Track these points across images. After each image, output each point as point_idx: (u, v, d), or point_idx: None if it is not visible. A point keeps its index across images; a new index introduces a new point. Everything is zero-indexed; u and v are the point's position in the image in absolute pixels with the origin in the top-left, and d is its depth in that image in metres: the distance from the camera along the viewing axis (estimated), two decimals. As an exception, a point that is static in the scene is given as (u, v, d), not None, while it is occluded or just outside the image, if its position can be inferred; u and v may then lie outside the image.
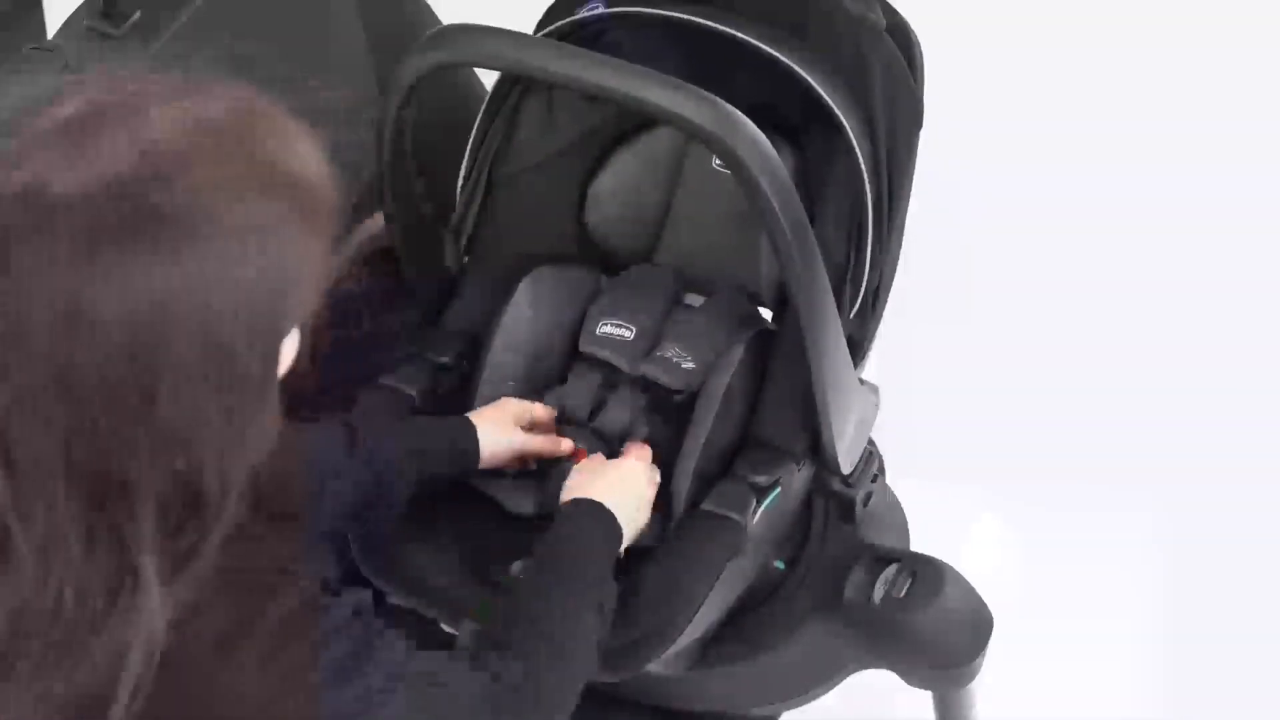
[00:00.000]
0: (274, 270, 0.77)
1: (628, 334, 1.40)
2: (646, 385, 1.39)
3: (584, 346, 1.42)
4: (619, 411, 1.37)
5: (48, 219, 0.71)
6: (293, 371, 0.85)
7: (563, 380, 1.43)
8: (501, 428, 1.31)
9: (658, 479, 1.29)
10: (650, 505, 1.26)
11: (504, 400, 1.34)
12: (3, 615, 0.76)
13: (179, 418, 0.75)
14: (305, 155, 0.80)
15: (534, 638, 1.04)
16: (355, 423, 1.24)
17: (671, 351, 1.39)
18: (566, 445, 1.34)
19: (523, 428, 1.33)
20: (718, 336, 1.39)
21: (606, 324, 1.41)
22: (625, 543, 1.20)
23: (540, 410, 1.36)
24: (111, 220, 0.71)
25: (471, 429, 1.29)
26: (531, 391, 1.41)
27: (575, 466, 1.29)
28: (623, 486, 1.23)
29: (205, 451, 0.77)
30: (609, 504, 1.19)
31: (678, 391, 1.38)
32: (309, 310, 0.83)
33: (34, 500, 0.74)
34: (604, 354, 1.40)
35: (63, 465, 0.74)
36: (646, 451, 1.31)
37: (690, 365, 1.38)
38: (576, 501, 1.19)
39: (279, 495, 0.87)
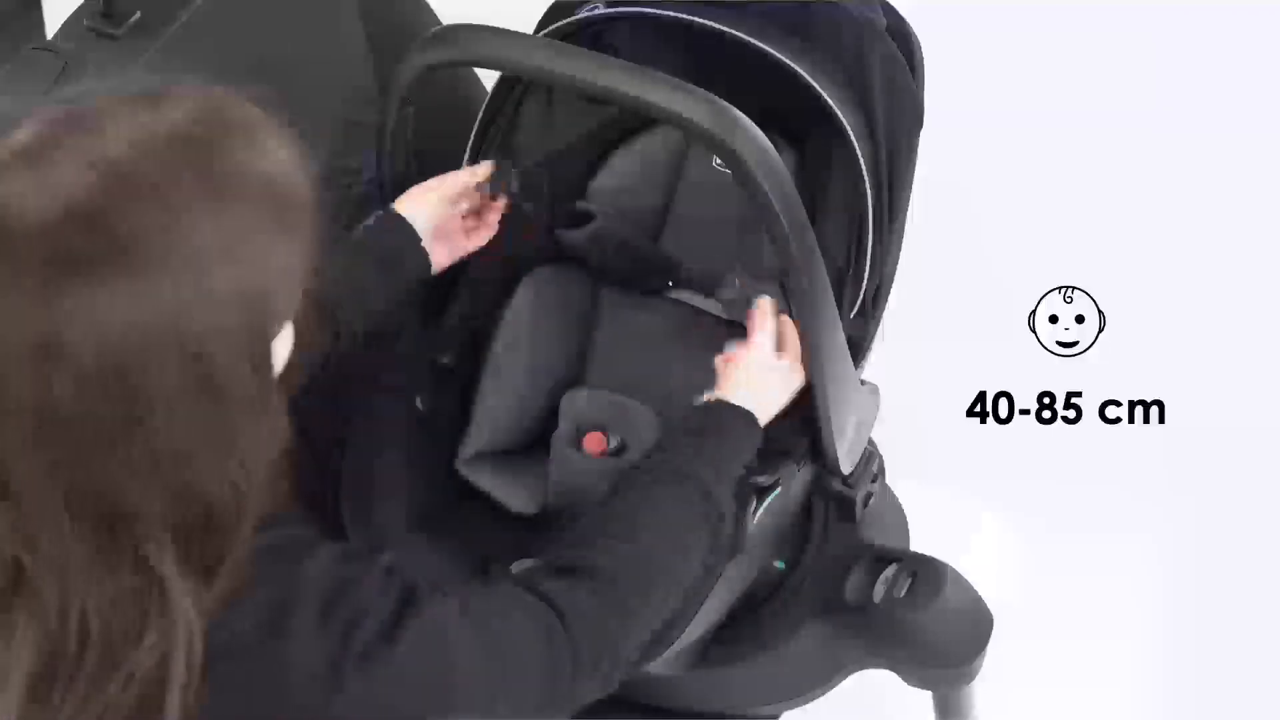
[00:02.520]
0: (250, 278, 0.75)
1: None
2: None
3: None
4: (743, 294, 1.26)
5: (11, 251, 0.70)
6: (294, 364, 0.84)
7: (567, 379, 1.43)
8: (426, 207, 1.25)
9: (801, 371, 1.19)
10: (784, 382, 1.18)
11: (415, 189, 1.27)
12: (31, 646, 0.75)
13: (172, 438, 0.74)
14: (275, 153, 0.79)
15: (615, 541, 0.99)
16: None
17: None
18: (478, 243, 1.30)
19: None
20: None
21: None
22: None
23: (461, 176, 1.29)
24: (75, 248, 0.70)
25: (400, 219, 1.23)
26: (533, 391, 1.41)
27: (743, 347, 1.18)
28: (782, 396, 1.17)
29: (207, 466, 0.76)
30: (758, 410, 1.13)
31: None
32: (295, 307, 0.81)
33: (39, 530, 0.73)
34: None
35: (61, 495, 0.73)
36: (796, 339, 1.19)
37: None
38: (732, 405, 1.13)
39: (288, 476, 0.85)
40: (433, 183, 1.28)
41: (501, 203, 1.32)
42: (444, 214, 1.27)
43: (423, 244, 1.25)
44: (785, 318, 1.21)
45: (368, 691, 0.81)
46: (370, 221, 1.24)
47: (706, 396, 1.17)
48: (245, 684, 0.79)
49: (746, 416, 1.14)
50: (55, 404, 0.71)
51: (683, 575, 1.04)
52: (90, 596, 0.74)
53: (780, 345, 1.21)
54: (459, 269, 1.45)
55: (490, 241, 1.33)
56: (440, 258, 1.28)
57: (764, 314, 1.21)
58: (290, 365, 0.85)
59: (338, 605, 0.82)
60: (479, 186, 1.30)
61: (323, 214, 0.81)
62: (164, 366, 0.72)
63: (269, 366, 0.80)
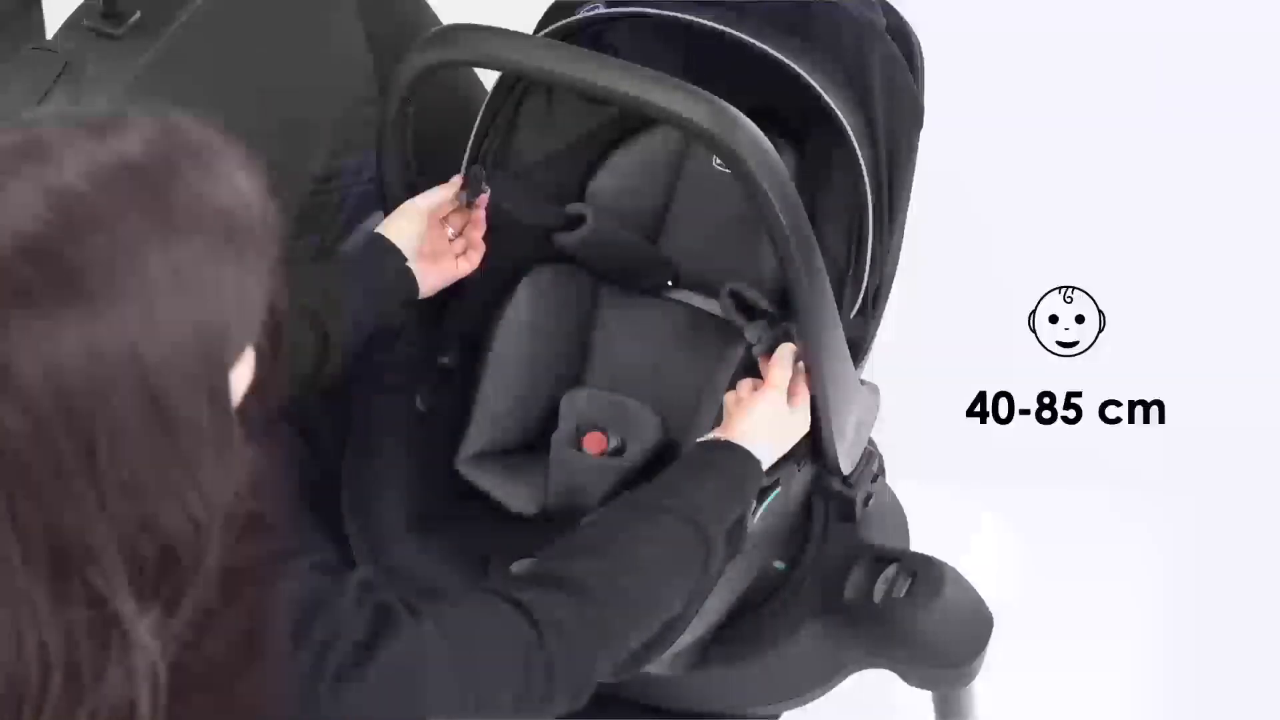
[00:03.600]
0: (203, 309, 0.74)
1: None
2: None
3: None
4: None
5: None
6: (257, 390, 0.82)
7: (567, 379, 1.43)
8: (408, 222, 1.26)
9: (796, 405, 1.20)
10: (790, 431, 1.20)
11: (403, 207, 1.29)
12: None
13: (124, 472, 0.72)
14: (231, 181, 0.76)
15: (599, 563, 0.99)
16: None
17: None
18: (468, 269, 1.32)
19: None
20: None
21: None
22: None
23: (439, 193, 1.30)
24: (25, 280, 0.68)
25: (386, 243, 1.25)
26: (533, 391, 1.41)
27: (758, 390, 1.20)
28: (788, 439, 1.19)
29: (163, 500, 0.74)
30: (763, 455, 1.15)
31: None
32: (254, 335, 0.80)
33: None
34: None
35: (11, 528, 0.71)
36: (805, 389, 1.21)
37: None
38: (730, 442, 1.15)
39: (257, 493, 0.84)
40: (418, 200, 1.29)
41: (483, 220, 1.33)
42: (431, 235, 1.29)
43: (410, 267, 1.27)
44: (800, 366, 1.22)
45: (339, 713, 0.81)
46: (359, 241, 1.24)
47: (713, 434, 1.19)
48: (217, 706, 0.78)
49: (750, 460, 1.16)
50: (7, 438, 0.69)
51: (664, 604, 1.06)
52: (46, 629, 0.72)
53: (792, 391, 1.22)
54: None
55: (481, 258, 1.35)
56: (431, 280, 1.29)
57: (784, 363, 1.21)
58: (264, 385, 0.83)
59: (311, 626, 0.81)
60: (457, 197, 1.31)
61: (307, 223, 0.80)
62: (116, 399, 0.70)
63: (227, 398, 0.78)
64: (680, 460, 1.17)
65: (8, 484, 0.70)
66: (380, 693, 0.83)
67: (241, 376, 0.80)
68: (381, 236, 1.27)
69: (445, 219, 1.32)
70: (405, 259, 1.27)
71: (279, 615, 0.80)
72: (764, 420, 1.19)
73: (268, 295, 0.79)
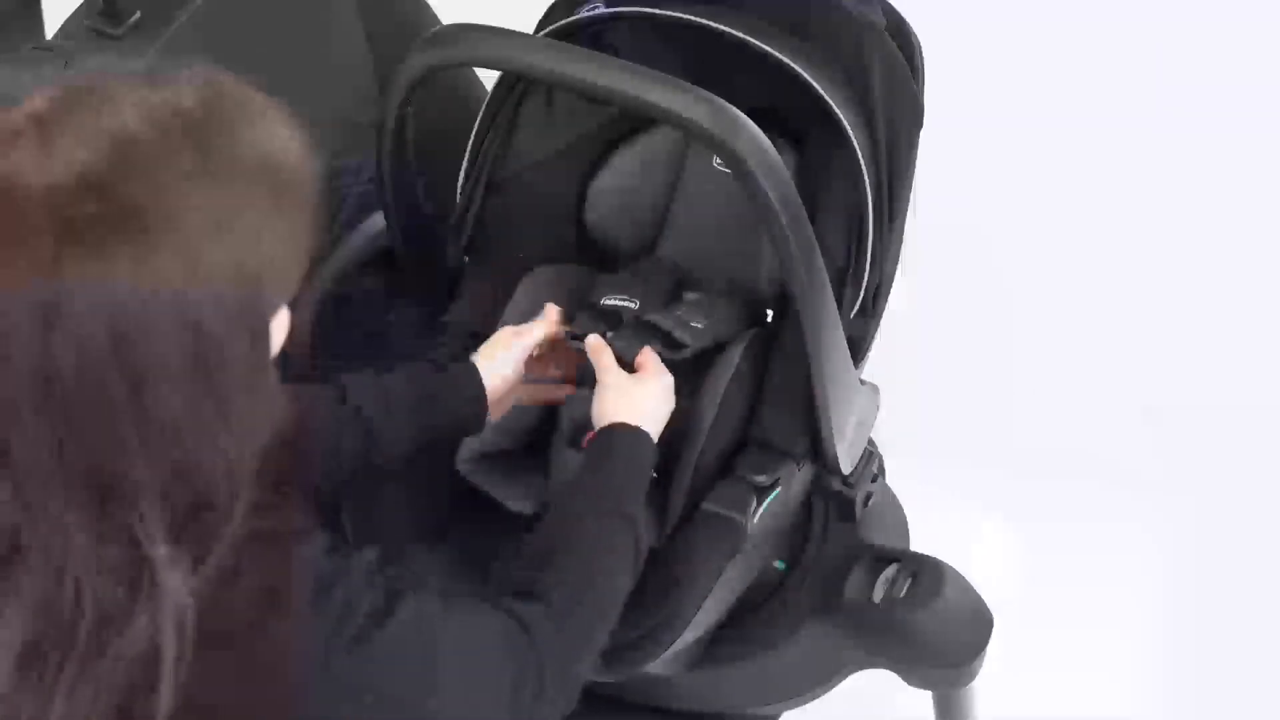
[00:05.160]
0: (249, 254, 0.77)
1: (632, 305, 1.38)
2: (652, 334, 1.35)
3: (587, 312, 1.39)
4: (626, 343, 1.31)
5: (19, 215, 0.71)
6: (290, 348, 0.85)
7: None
8: (499, 367, 1.27)
9: (672, 389, 1.26)
10: (666, 419, 1.24)
11: (500, 332, 1.30)
12: (30, 617, 0.75)
13: (169, 411, 0.74)
14: (277, 135, 0.80)
15: (561, 573, 1.02)
16: (346, 379, 1.21)
17: (680, 311, 1.37)
18: (562, 395, 1.32)
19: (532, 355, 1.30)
20: (724, 307, 1.38)
21: (610, 298, 1.39)
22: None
23: (539, 330, 1.31)
24: (83, 214, 0.71)
25: (472, 367, 1.25)
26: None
27: (599, 385, 1.24)
28: (651, 401, 1.22)
29: (202, 441, 0.77)
30: (643, 423, 1.18)
31: (683, 345, 1.33)
32: (294, 287, 0.82)
33: (35, 501, 0.74)
34: (611, 303, 1.37)
35: (58, 466, 0.73)
36: (655, 358, 1.28)
37: (699, 325, 1.35)
38: (612, 427, 1.18)
39: (281, 464, 0.86)
40: (519, 339, 1.29)
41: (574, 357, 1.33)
42: (515, 377, 1.28)
43: (487, 407, 1.25)
44: (646, 350, 1.28)
45: (353, 675, 0.82)
46: (446, 367, 1.26)
47: (591, 434, 1.20)
48: (237, 665, 0.80)
49: (633, 431, 1.18)
50: (54, 370, 0.71)
51: (619, 590, 1.09)
52: (83, 569, 0.75)
53: (636, 369, 1.26)
54: (459, 270, 1.46)
55: None
56: (495, 411, 1.28)
57: (594, 350, 1.26)
58: (286, 349, 0.85)
59: (329, 594, 0.83)
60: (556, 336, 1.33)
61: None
62: (162, 337, 0.73)
63: (266, 344, 0.81)
64: (585, 460, 1.18)
65: (54, 418, 0.72)
66: (394, 659, 0.85)
67: (277, 331, 0.83)
68: (473, 370, 1.25)
69: (537, 355, 1.32)
70: (485, 397, 1.25)
71: (299, 580, 0.82)
72: (622, 396, 1.22)
73: (305, 251, 0.81)
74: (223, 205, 0.75)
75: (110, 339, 0.72)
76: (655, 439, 1.21)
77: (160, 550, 0.76)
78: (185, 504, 0.77)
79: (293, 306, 0.84)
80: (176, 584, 0.76)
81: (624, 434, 1.18)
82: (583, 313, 1.36)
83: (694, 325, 1.35)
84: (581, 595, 1.03)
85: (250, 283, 0.77)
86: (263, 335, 0.80)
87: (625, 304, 1.38)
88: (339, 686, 0.82)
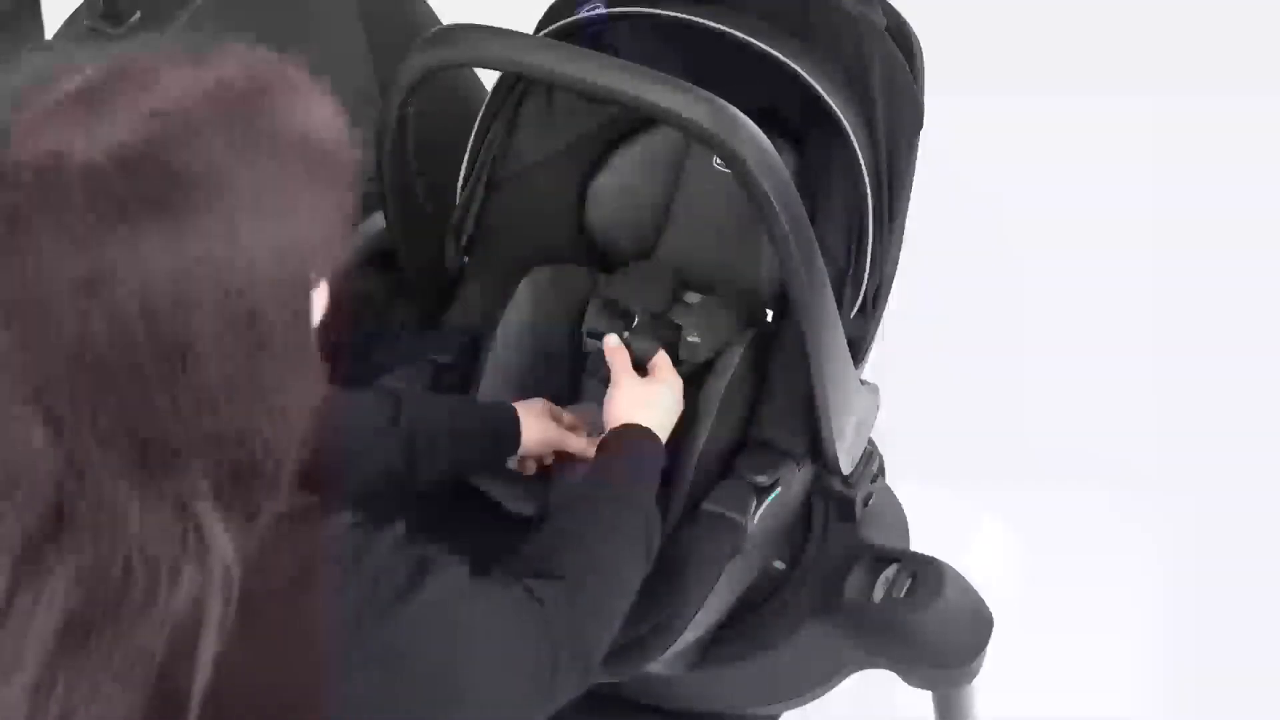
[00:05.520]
0: (290, 227, 0.77)
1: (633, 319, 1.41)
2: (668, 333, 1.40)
3: (588, 324, 1.42)
4: (643, 345, 1.35)
5: (66, 188, 0.71)
6: (327, 325, 0.86)
7: (569, 379, 1.43)
8: (542, 420, 1.32)
9: (681, 392, 1.30)
10: (669, 396, 1.28)
11: (537, 399, 1.35)
12: (76, 585, 0.76)
13: (212, 380, 0.75)
14: (319, 113, 0.81)
15: (577, 559, 1.04)
16: (402, 395, 1.25)
17: (680, 323, 1.39)
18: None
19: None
20: (719, 324, 1.39)
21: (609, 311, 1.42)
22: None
23: (568, 416, 1.36)
24: (128, 186, 0.72)
25: (514, 415, 1.30)
26: (533, 391, 1.41)
27: (613, 384, 1.28)
28: (661, 406, 1.26)
29: (246, 411, 0.78)
30: (654, 426, 1.22)
31: (682, 362, 1.36)
32: (333, 263, 0.84)
33: (83, 467, 0.75)
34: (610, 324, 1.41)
35: (107, 432, 0.74)
36: (668, 362, 1.32)
37: (695, 339, 1.38)
38: (625, 427, 1.21)
39: (316, 448, 0.87)
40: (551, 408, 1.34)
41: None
42: (539, 440, 1.32)
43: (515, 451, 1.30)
44: (660, 353, 1.33)
45: (385, 643, 0.83)
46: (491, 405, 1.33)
47: (610, 429, 1.23)
48: (271, 635, 0.80)
49: (643, 431, 1.22)
50: (99, 340, 0.72)
51: (631, 572, 1.11)
52: (131, 535, 0.75)
53: (650, 373, 1.31)
54: (459, 270, 1.46)
55: None
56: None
57: (612, 351, 1.31)
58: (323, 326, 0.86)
59: (361, 562, 0.84)
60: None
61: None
62: (208, 307, 0.74)
63: (308, 317, 0.82)
64: (595, 459, 1.21)
65: (100, 391, 0.73)
66: (424, 628, 0.85)
67: (317, 304, 0.84)
68: (513, 413, 1.30)
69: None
70: (516, 446, 1.29)
71: (331, 551, 0.84)
72: (636, 399, 1.25)
73: (344, 228, 0.82)
74: (265, 178, 0.76)
75: (156, 308, 0.72)
76: (664, 441, 1.24)
77: (209, 514, 0.77)
78: (233, 470, 0.78)
79: (331, 284, 0.85)
80: (224, 545, 0.77)
81: (634, 434, 1.21)
82: (595, 300, 1.39)
83: (690, 340, 1.38)
84: (593, 572, 1.04)
85: (291, 256, 0.78)
86: (304, 307, 0.81)
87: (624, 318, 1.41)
88: (370, 655, 0.82)
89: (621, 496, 1.14)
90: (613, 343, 1.32)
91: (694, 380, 1.34)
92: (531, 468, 1.35)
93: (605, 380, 1.30)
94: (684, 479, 1.29)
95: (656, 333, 1.37)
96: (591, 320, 1.41)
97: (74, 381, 0.73)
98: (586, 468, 1.30)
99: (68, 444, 0.74)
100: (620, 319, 1.39)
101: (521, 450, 1.30)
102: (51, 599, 0.75)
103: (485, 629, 0.91)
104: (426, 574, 0.87)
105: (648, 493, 1.18)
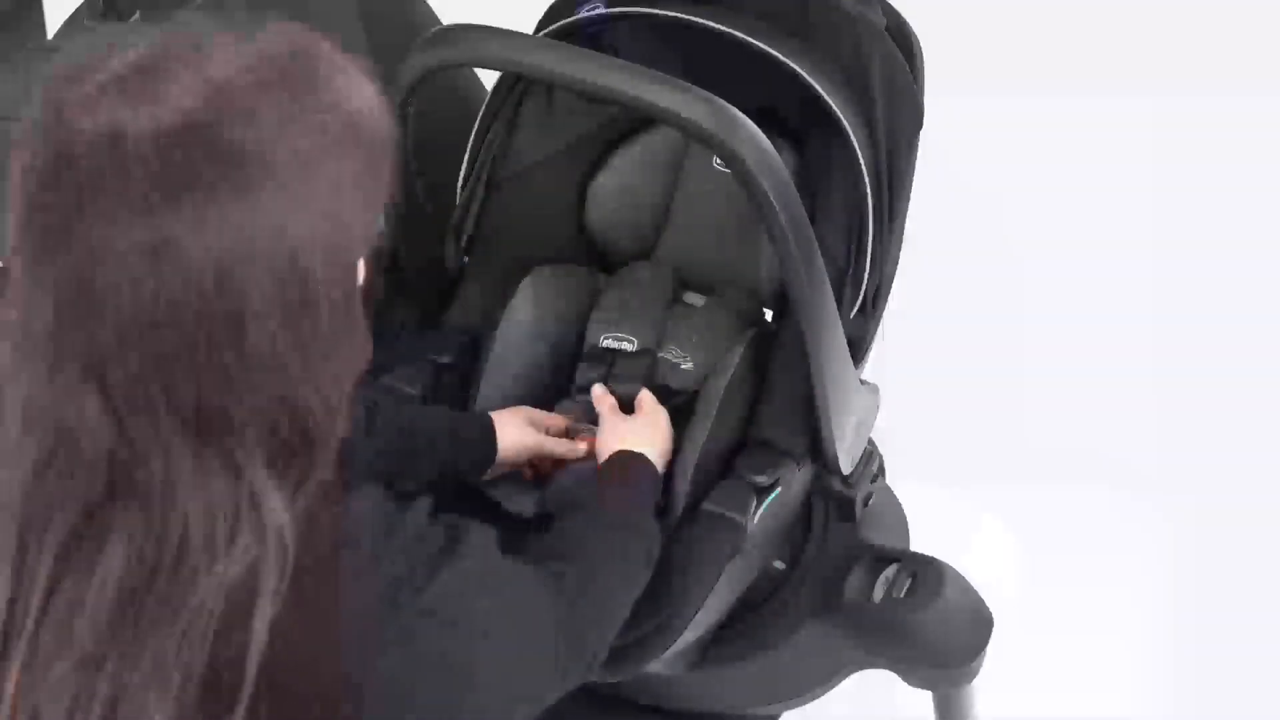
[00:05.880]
0: (336, 199, 0.79)
1: (629, 346, 1.41)
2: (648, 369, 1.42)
3: (587, 359, 1.43)
4: (626, 388, 1.38)
5: (125, 163, 0.73)
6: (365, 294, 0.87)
7: (568, 379, 1.43)
8: (520, 428, 1.32)
9: (667, 419, 1.33)
10: (668, 453, 1.30)
11: (521, 407, 1.35)
12: (132, 552, 0.76)
13: (269, 345, 0.77)
14: (362, 90, 0.83)
15: (579, 569, 1.06)
16: (377, 404, 1.26)
17: (671, 353, 1.40)
18: (582, 448, 1.34)
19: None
20: (717, 336, 1.39)
21: (608, 338, 1.43)
22: None
23: (556, 419, 1.37)
24: (188, 159, 0.73)
25: (489, 424, 1.30)
26: (532, 391, 1.41)
27: (601, 424, 1.32)
28: (653, 436, 1.28)
29: (298, 378, 0.79)
30: (649, 454, 1.25)
31: (677, 393, 1.38)
32: (371, 239, 0.85)
33: (139, 434, 0.76)
34: (608, 344, 1.43)
35: (162, 400, 0.75)
36: (652, 398, 1.35)
37: (688, 366, 1.39)
38: (617, 452, 1.24)
39: None
40: (536, 418, 1.34)
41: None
42: (516, 449, 1.32)
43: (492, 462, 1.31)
44: (644, 392, 1.36)
45: (425, 608, 0.85)
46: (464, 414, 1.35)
47: (606, 456, 1.25)
48: (320, 600, 0.81)
49: (637, 456, 1.25)
50: (163, 312, 0.73)
51: (631, 589, 1.13)
52: (186, 504, 0.76)
53: (635, 409, 1.34)
54: (459, 270, 1.46)
55: None
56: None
57: (598, 399, 1.36)
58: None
59: (396, 532, 0.87)
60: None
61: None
62: (266, 275, 0.75)
63: (355, 284, 0.84)
64: (593, 484, 1.25)
65: (159, 358, 0.74)
66: (457, 598, 0.87)
67: (360, 274, 0.85)
68: (489, 421, 1.31)
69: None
70: (494, 455, 1.30)
71: (366, 524, 0.86)
72: (625, 435, 1.28)
73: (382, 203, 0.84)
74: (312, 149, 0.77)
75: (215, 279, 0.74)
76: (660, 469, 1.26)
77: (264, 481, 0.78)
78: (285, 438, 0.79)
79: (367, 261, 0.87)
80: (279, 511, 0.78)
81: (628, 457, 1.24)
82: (583, 364, 1.42)
83: (684, 368, 1.39)
84: (594, 578, 1.06)
85: (342, 225, 0.80)
86: (352, 274, 0.83)
87: (622, 345, 1.42)
88: (405, 626, 0.84)
89: (620, 521, 1.16)
90: (598, 391, 1.37)
91: (688, 408, 1.36)
92: (529, 473, 1.35)
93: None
94: (684, 479, 1.29)
95: (637, 370, 1.39)
96: (580, 377, 1.42)
97: (131, 353, 0.74)
98: (580, 469, 1.31)
99: (123, 414, 0.75)
100: (604, 364, 1.41)
101: (500, 458, 1.30)
102: (106, 573, 0.76)
103: (515, 602, 0.94)
104: (461, 537, 0.90)
105: (644, 510, 1.20)
